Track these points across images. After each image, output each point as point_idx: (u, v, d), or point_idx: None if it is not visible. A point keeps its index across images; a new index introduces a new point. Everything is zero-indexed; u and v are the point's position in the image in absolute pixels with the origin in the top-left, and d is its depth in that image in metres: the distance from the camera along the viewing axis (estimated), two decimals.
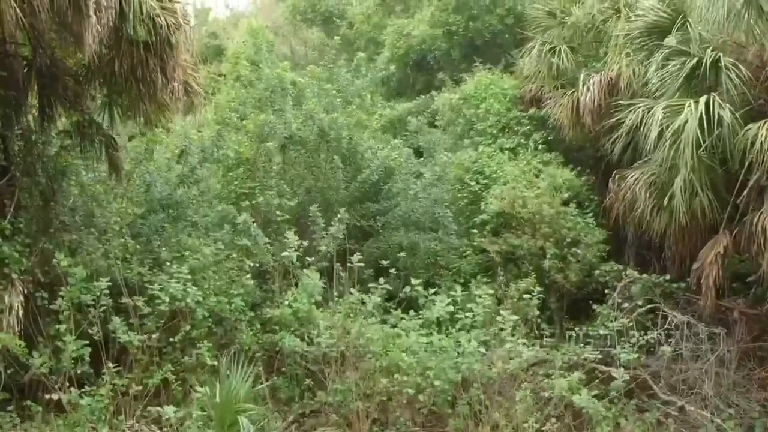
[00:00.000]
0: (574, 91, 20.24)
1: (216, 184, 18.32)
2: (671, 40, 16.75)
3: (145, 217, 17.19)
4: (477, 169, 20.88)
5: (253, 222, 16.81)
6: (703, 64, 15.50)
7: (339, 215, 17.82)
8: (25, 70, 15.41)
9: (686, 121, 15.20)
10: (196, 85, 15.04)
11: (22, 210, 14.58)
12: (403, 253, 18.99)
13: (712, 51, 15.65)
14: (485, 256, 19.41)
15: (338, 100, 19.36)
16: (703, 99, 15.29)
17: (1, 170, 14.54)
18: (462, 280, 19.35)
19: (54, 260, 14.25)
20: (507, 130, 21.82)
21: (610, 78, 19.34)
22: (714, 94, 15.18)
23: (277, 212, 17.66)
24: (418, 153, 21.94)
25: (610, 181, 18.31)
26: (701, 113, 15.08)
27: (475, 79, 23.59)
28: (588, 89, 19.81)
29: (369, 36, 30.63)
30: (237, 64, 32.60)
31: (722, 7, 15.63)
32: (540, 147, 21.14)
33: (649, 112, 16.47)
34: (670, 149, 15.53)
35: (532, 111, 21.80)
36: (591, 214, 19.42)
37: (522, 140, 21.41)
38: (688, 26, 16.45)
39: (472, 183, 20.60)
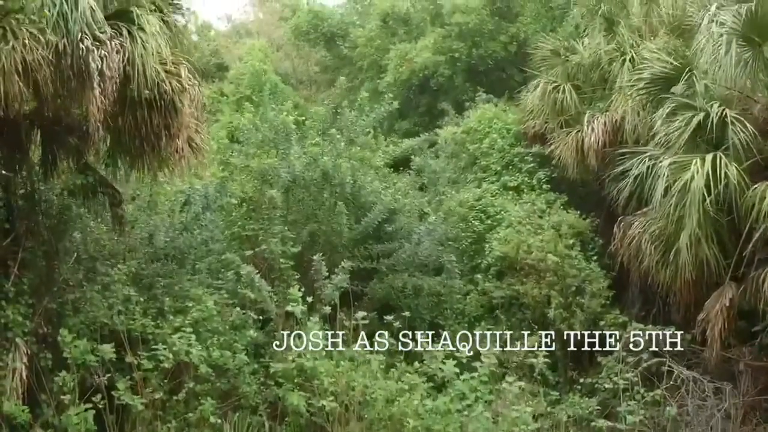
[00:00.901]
0: (578, 131, 20.21)
1: (219, 233, 18.24)
2: (678, 89, 16.68)
3: (148, 265, 17.12)
4: (481, 207, 20.86)
5: (257, 273, 16.75)
6: (710, 120, 15.42)
7: (342, 264, 17.78)
8: (27, 122, 15.32)
9: (693, 178, 15.13)
10: (200, 143, 14.92)
11: (26, 270, 14.49)
12: (407, 299, 19.01)
13: (719, 106, 15.57)
14: (489, 297, 19.39)
15: (342, 143, 19.24)
16: (709, 157, 15.23)
17: (4, 232, 14.42)
18: (466, 322, 19.37)
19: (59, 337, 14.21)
20: (511, 167, 21.78)
21: (615, 121, 19.34)
22: (720, 154, 15.11)
23: (281, 259, 17.60)
24: (423, 188, 21.89)
25: (615, 226, 18.21)
26: (708, 172, 15.02)
27: (478, 111, 23.51)
28: (592, 130, 19.81)
29: (371, 59, 30.53)
30: (240, 86, 32.70)
31: (729, 58, 15.57)
32: (544, 185, 21.05)
33: (654, 163, 16.46)
34: (676, 206, 15.48)
35: (536, 148, 21.76)
36: (595, 257, 19.36)
37: (526, 178, 21.36)
38: (694, 78, 16.36)
39: (476, 222, 20.54)
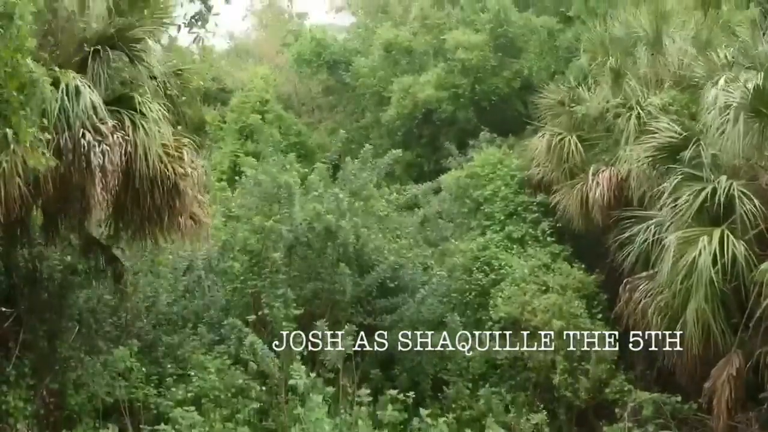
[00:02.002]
0: (583, 184, 20.06)
1: (221, 297, 18.14)
2: (686, 154, 16.59)
3: (150, 331, 17.05)
4: (485, 260, 20.71)
5: (260, 342, 16.70)
6: (717, 196, 15.30)
7: (346, 327, 17.71)
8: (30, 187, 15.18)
9: (700, 255, 15.03)
10: (203, 217, 14.82)
11: (27, 350, 14.41)
12: (410, 354, 18.97)
13: (726, 180, 15.45)
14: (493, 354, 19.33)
15: (345, 201, 19.08)
16: (716, 234, 15.13)
17: (7, 314, 14.35)
18: (470, 378, 19.30)
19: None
20: (515, 216, 21.60)
21: (621, 177, 19.16)
22: (727, 232, 15.00)
23: (284, 323, 17.52)
24: (427, 240, 21.78)
25: (620, 288, 18.08)
26: (715, 250, 14.91)
27: (482, 155, 23.34)
28: (597, 184, 19.66)
29: (374, 89, 30.33)
30: (242, 114, 32.52)
31: (737, 130, 15.45)
32: (548, 237, 20.92)
33: (660, 229, 16.38)
34: (683, 281, 15.36)
35: (540, 197, 21.58)
36: (600, 314, 19.27)
37: (530, 229, 21.21)
38: (701, 149, 16.23)
39: (480, 275, 20.41)
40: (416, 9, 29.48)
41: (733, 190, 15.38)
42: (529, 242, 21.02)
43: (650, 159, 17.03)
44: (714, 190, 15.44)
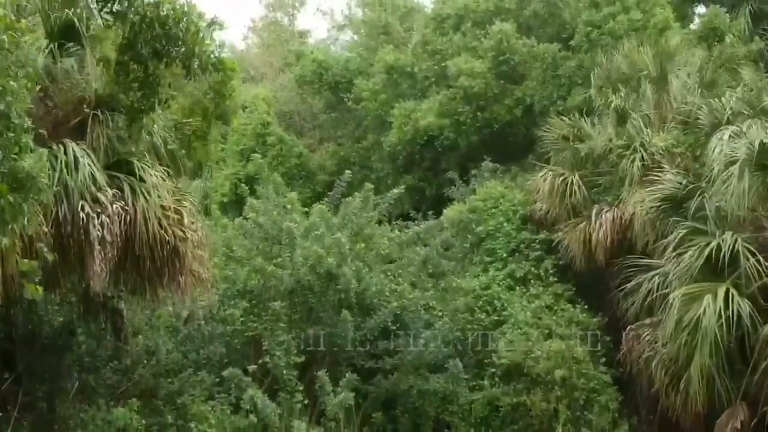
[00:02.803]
0: (586, 223, 19.97)
1: (222, 346, 18.04)
2: (691, 204, 16.50)
3: (151, 380, 16.95)
4: (487, 299, 20.61)
5: (260, 394, 16.62)
6: (722, 253, 15.19)
7: (347, 375, 17.64)
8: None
9: (705, 313, 14.94)
10: (204, 273, 14.66)
11: (26, 411, 14.30)
12: (412, 397, 18.92)
13: (731, 236, 15.34)
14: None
15: (347, 245, 18.96)
16: (721, 291, 15.05)
17: (4, 369, 14.24)
18: (473, 422, 19.22)
19: None
20: (517, 253, 21.47)
21: (624, 220, 19.08)
22: (732, 291, 14.89)
23: (285, 371, 17.44)
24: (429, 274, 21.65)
25: (624, 335, 18.00)
26: (720, 308, 14.82)
27: (484, 188, 23.20)
28: (600, 225, 19.62)
29: (376, 113, 30.15)
30: (244, 135, 32.34)
31: (743, 185, 15.35)
32: (551, 277, 20.80)
33: (663, 282, 16.32)
34: (687, 338, 15.28)
35: (543, 234, 21.46)
36: (604, 359, 19.17)
37: (533, 267, 21.09)
38: (705, 200, 16.12)
39: (482, 315, 20.32)
40: (418, 34, 29.25)
41: (738, 245, 15.27)
42: (532, 281, 20.89)
43: (654, 209, 16.88)
44: (719, 246, 15.30)
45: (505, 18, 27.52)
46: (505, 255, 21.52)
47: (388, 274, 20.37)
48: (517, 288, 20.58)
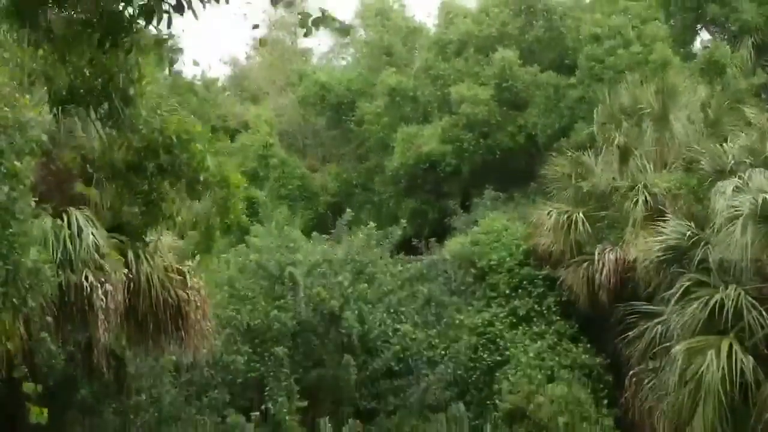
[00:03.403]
0: (589, 263, 19.97)
1: (225, 395, 18.06)
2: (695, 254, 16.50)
3: (154, 427, 16.98)
4: (490, 337, 20.63)
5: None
6: (726, 308, 15.20)
7: (349, 423, 17.67)
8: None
9: (708, 369, 14.95)
10: (206, 329, 14.70)
11: None
12: None
13: (735, 290, 15.35)
14: None
15: (349, 288, 18.98)
16: (725, 346, 15.05)
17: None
18: None
19: None
20: (520, 290, 21.46)
21: (627, 262, 19.06)
22: (736, 347, 14.91)
23: (287, 417, 17.47)
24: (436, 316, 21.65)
25: (626, 379, 18.01)
26: (723, 364, 14.82)
27: (487, 220, 23.20)
28: (603, 265, 19.61)
29: (378, 136, 30.14)
30: (246, 157, 32.28)
31: (746, 239, 15.36)
32: (554, 315, 20.81)
33: (666, 330, 16.34)
34: (690, 391, 15.29)
35: (546, 270, 21.43)
36: (606, 400, 19.20)
37: (535, 305, 21.09)
38: (709, 252, 16.12)
39: (485, 354, 20.34)
40: (420, 59, 29.22)
41: (741, 299, 15.27)
42: (535, 319, 20.89)
43: (657, 259, 16.88)
44: (722, 301, 15.31)
45: (508, 44, 27.47)
46: (507, 291, 21.50)
47: (391, 311, 20.38)
48: (520, 327, 20.57)
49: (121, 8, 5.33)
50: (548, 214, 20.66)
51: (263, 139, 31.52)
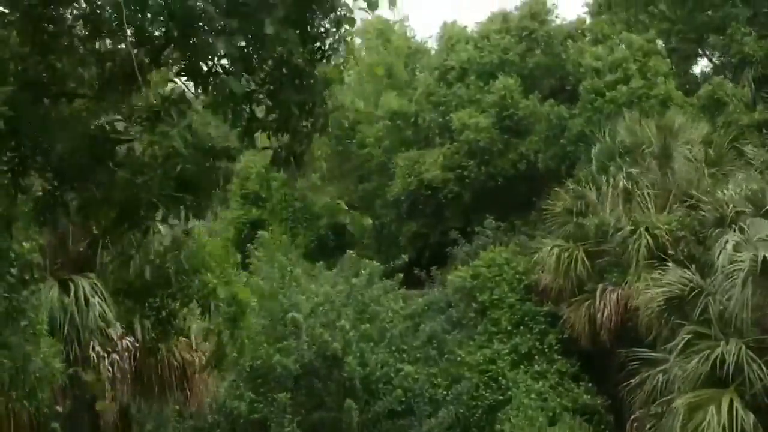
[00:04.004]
0: (590, 303, 20.09)
1: None
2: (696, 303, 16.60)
3: None
4: (492, 375, 20.75)
5: None
6: (726, 364, 15.30)
7: None
8: None
9: (708, 423, 15.05)
10: (211, 384, 14.81)
11: None
12: None
13: (736, 344, 15.46)
14: None
15: (350, 330, 19.09)
16: (725, 401, 15.15)
17: None
18: None
19: None
20: (521, 326, 21.59)
21: (629, 305, 19.16)
22: (737, 404, 15.01)
23: None
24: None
25: (627, 425, 18.15)
26: (724, 420, 14.93)
27: (489, 253, 23.32)
28: (605, 306, 19.75)
29: (380, 160, 30.21)
30: (248, 179, 32.34)
31: (746, 294, 15.48)
32: (555, 351, 20.94)
33: (668, 378, 16.45)
34: None
35: (547, 307, 21.58)
36: None
37: (537, 342, 21.25)
38: (710, 304, 16.22)
39: (487, 393, 20.46)
40: (422, 84, 29.25)
41: (742, 353, 15.37)
42: (536, 357, 21.02)
43: (659, 308, 17.00)
44: (723, 355, 15.42)
45: (509, 70, 27.54)
46: (509, 327, 21.64)
47: (393, 348, 20.47)
48: (522, 366, 20.69)
49: None
50: (550, 251, 20.71)
51: (264, 162, 31.49)
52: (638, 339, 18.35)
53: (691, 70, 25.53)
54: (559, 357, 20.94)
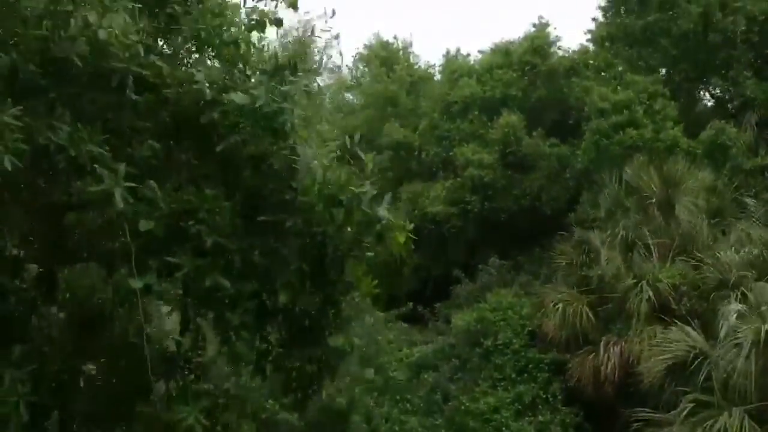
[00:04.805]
0: (594, 355, 20.25)
1: None
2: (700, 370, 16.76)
3: None
4: (495, 425, 20.90)
5: None
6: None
7: None
8: None
9: None
10: None
11: None
12: None
13: (739, 414, 15.62)
14: None
15: (356, 389, 19.26)
16: None
17: None
18: None
19: None
20: (525, 374, 21.73)
21: (632, 359, 19.31)
22: None
23: None
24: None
25: None
26: None
27: (494, 296, 23.48)
28: (609, 359, 19.91)
29: (383, 190, 30.22)
30: None
31: (749, 362, 15.63)
32: (559, 402, 21.09)
33: None
34: None
35: (551, 355, 21.72)
36: None
37: (541, 391, 21.38)
38: (713, 371, 16.38)
39: None
40: (426, 118, 29.31)
41: (745, 423, 15.52)
42: (540, 406, 21.17)
43: (662, 372, 17.15)
44: (725, 426, 15.58)
45: (512, 105, 27.64)
46: (513, 375, 21.79)
47: (397, 398, 20.64)
48: (526, 417, 20.84)
49: None
50: (554, 306, 20.85)
51: None
52: (642, 397, 18.49)
53: (695, 107, 25.46)
54: (563, 407, 21.05)
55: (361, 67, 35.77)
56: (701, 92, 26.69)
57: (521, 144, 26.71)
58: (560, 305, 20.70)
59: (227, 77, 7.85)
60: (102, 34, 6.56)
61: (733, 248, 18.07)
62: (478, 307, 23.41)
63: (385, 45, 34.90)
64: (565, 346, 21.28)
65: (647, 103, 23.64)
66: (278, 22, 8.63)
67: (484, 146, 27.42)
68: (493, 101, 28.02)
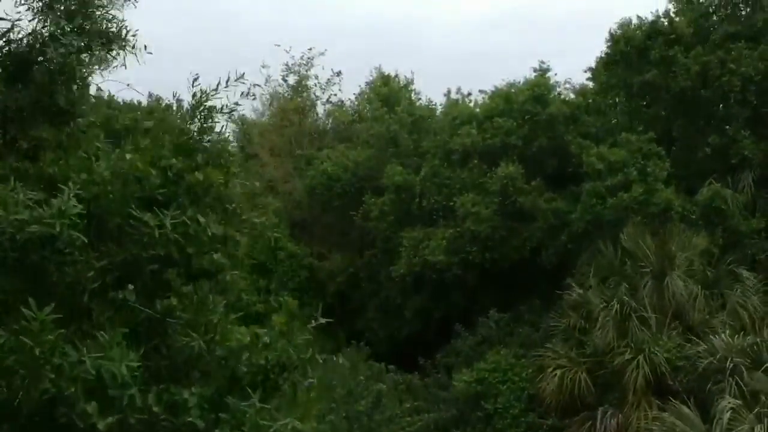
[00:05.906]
0: (591, 424, 20.56)
1: None
2: None
3: None
4: None
5: None
6: None
7: None
8: None
9: None
10: None
11: None
12: None
13: None
14: None
15: None
16: None
17: None
18: None
19: None
20: None
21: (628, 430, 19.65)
22: None
23: None
24: None
25: None
26: None
27: (493, 355, 23.77)
28: (605, 430, 20.20)
29: (384, 235, 30.51)
30: (254, 248, 32.70)
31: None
32: None
33: None
34: None
35: (550, 421, 22.03)
36: None
37: None
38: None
39: None
40: (426, 167, 29.41)
41: None
42: None
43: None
44: None
45: (512, 154, 27.76)
46: None
47: None
48: None
49: None
50: (552, 371, 21.15)
51: (271, 236, 31.80)
52: None
53: (694, 159, 25.44)
54: None
55: (365, 104, 35.93)
56: (700, 147, 26.69)
57: (520, 195, 26.86)
58: (558, 372, 20.99)
59: None
60: None
61: (728, 329, 18.28)
62: (478, 368, 23.68)
63: (386, 80, 34.96)
64: (563, 411, 21.58)
65: (642, 163, 23.72)
66: None
67: (483, 195, 27.58)
68: (493, 149, 28.14)
